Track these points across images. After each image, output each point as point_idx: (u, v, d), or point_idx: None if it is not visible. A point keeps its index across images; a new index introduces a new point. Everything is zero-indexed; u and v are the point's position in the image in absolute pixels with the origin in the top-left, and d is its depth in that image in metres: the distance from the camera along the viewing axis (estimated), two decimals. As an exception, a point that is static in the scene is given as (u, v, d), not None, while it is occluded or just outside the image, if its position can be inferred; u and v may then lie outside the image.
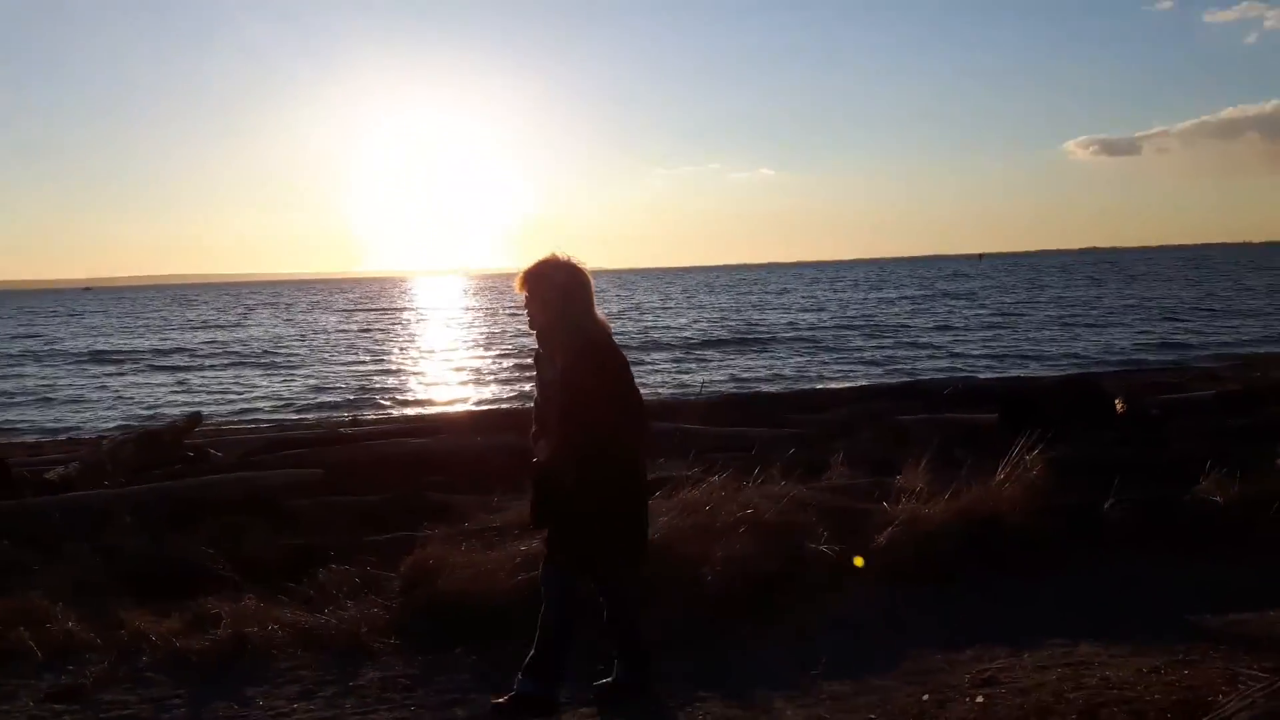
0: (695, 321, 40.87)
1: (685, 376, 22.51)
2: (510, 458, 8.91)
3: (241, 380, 26.50)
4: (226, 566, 5.95)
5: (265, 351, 34.69)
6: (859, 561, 5.48)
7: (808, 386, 17.11)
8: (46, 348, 40.06)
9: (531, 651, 3.95)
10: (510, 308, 50.02)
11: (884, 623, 4.84)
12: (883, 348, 28.68)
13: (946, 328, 34.29)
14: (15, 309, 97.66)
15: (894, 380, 18.02)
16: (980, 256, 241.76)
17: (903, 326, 35.43)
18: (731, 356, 27.46)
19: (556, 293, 3.88)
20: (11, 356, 36.07)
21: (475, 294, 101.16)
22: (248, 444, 10.01)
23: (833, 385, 17.82)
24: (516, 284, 3.97)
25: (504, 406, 16.43)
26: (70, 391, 25.26)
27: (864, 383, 17.93)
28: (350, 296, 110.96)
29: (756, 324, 38.34)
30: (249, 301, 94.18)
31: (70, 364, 32.40)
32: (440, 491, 7.62)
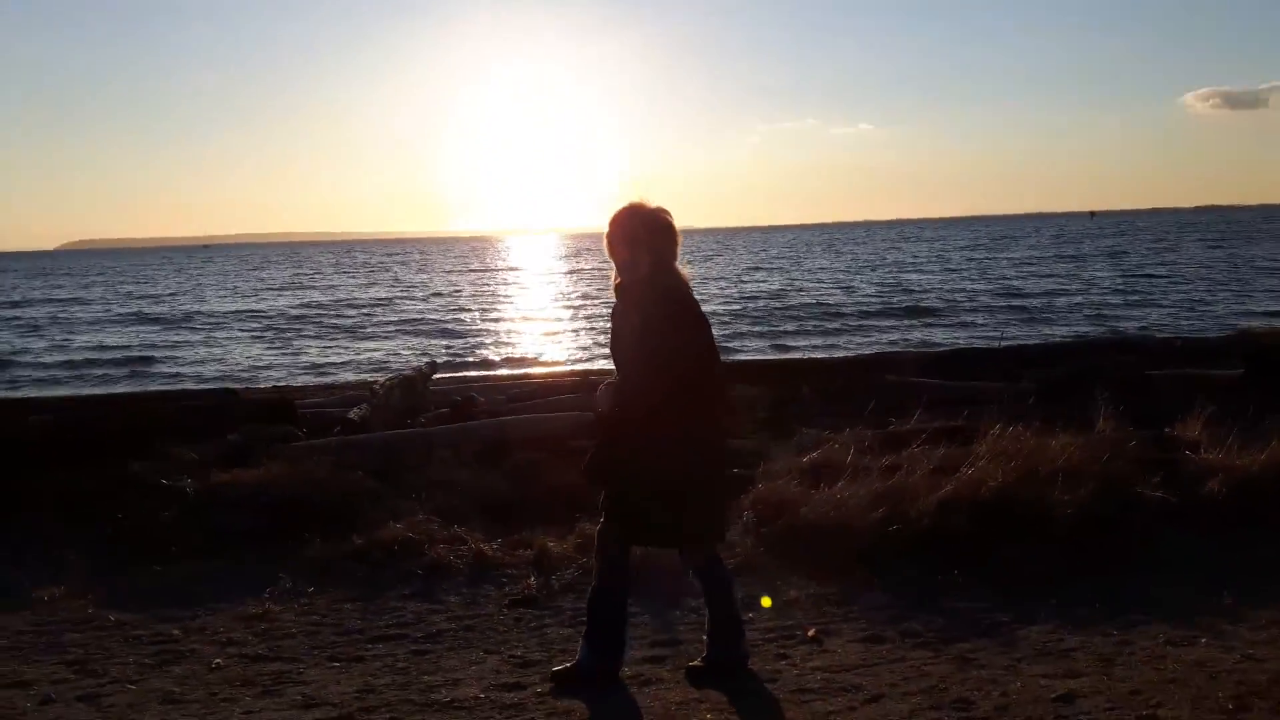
0: (858, 286, 39.68)
1: (882, 337, 22.22)
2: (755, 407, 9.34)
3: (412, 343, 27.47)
4: (557, 498, 6.41)
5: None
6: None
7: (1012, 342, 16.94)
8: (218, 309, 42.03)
9: (588, 624, 3.83)
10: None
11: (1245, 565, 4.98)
12: (1053, 308, 28.07)
13: (1118, 289, 33.16)
14: (160, 261, 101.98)
15: (1105, 334, 17.74)
16: (1092, 215, 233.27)
17: (1054, 289, 34.19)
18: (906, 320, 26.71)
19: (637, 240, 3.68)
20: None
21: (575, 255, 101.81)
22: (504, 390, 10.55)
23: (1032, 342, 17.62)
24: (606, 228, 3.76)
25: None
26: (229, 349, 26.39)
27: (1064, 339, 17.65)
28: (453, 255, 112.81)
29: (915, 289, 37.16)
30: (380, 260, 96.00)
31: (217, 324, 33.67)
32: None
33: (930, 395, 9.18)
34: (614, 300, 3.85)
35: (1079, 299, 29.85)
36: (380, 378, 10.85)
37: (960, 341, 19.83)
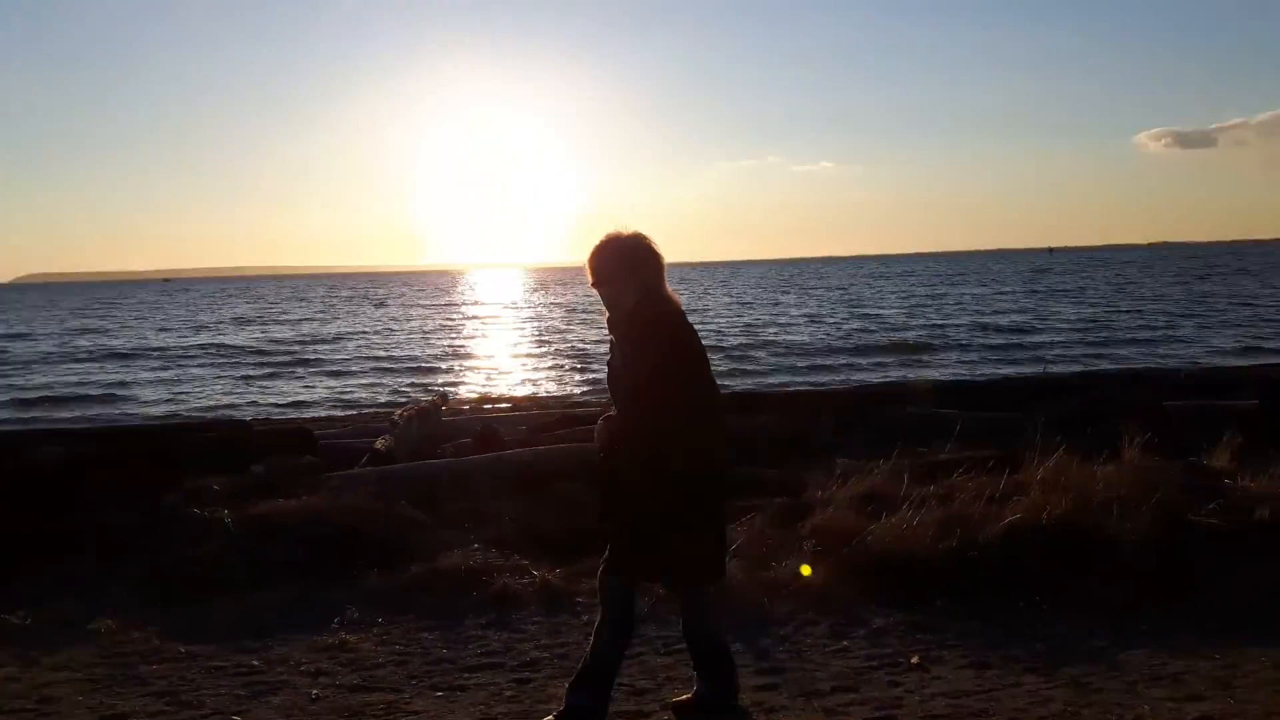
0: (845, 320, 39.93)
1: (881, 374, 22.22)
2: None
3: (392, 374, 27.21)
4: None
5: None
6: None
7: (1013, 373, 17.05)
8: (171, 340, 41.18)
9: (583, 662, 3.63)
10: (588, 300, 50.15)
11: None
12: (1031, 341, 28.48)
13: (1090, 322, 33.67)
14: (115, 295, 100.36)
15: (1114, 368, 18.00)
16: (1050, 251, 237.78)
17: (1033, 322, 34.71)
18: (890, 355, 26.88)
19: (622, 267, 3.52)
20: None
21: (537, 289, 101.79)
22: (526, 420, 10.47)
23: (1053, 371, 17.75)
24: (586, 267, 3.58)
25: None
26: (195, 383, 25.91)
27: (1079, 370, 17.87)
28: (418, 289, 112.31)
29: (891, 324, 37.46)
30: (339, 294, 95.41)
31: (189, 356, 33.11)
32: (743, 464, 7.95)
33: (950, 425, 9.23)
34: (609, 336, 3.64)
35: (1061, 335, 30.26)
36: (395, 410, 10.72)
37: (941, 376, 20.00)
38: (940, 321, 37.24)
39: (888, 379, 18.76)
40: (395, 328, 45.60)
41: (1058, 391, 11.28)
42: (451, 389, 20.45)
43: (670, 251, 3.63)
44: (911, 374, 20.06)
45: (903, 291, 62.18)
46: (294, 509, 6.69)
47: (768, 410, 10.47)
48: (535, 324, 45.82)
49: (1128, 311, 38.16)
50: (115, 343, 38.70)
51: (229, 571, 5.89)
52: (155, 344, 37.87)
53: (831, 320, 40.17)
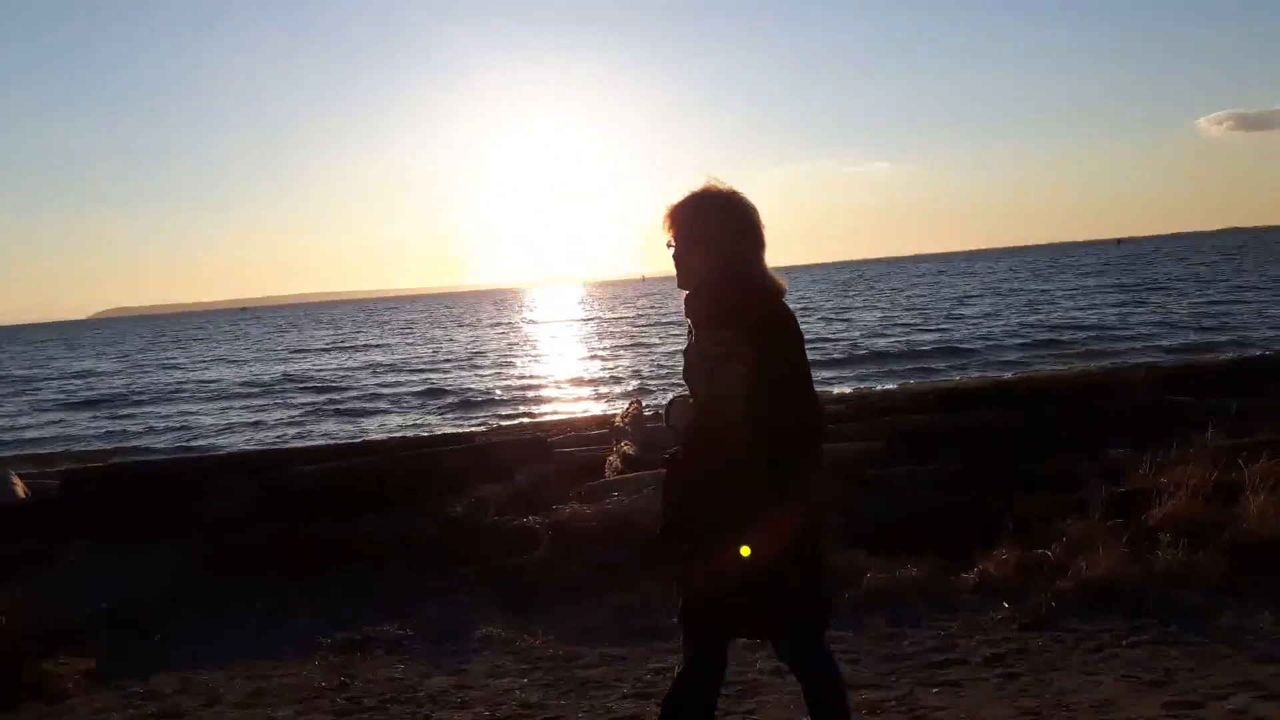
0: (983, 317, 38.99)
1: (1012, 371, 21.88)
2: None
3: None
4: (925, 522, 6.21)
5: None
6: None
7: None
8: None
9: None
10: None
11: None
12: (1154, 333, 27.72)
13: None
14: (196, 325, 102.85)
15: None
16: (1119, 242, 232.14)
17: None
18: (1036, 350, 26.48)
19: (701, 228, 2.78)
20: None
21: (598, 301, 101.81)
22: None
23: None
24: (662, 224, 2.85)
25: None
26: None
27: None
28: (481, 308, 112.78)
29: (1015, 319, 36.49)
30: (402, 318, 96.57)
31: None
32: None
33: (1189, 414, 8.90)
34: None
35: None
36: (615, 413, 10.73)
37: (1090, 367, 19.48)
38: (1117, 311, 35.74)
39: (1087, 369, 18.14)
40: (528, 342, 45.65)
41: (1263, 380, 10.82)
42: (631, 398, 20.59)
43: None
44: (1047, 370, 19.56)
45: (1007, 288, 60.04)
46: (593, 515, 6.70)
47: (982, 404, 10.23)
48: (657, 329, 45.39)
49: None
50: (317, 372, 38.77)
51: (566, 574, 5.90)
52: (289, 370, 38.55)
53: (975, 315, 38.99)
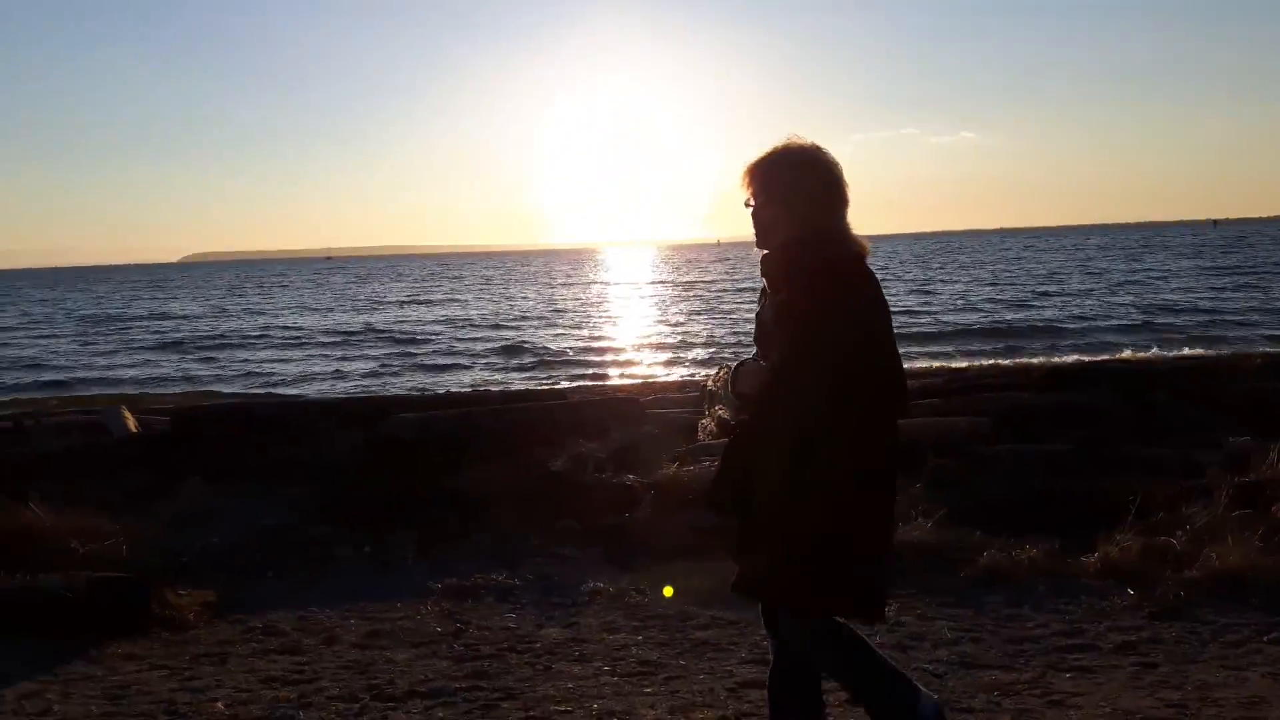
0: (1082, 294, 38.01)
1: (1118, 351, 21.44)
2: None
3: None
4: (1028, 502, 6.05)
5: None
6: None
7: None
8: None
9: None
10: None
11: None
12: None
13: None
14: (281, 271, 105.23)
15: None
16: (1214, 223, 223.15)
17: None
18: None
19: (780, 186, 2.65)
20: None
21: (671, 265, 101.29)
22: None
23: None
24: (741, 180, 2.73)
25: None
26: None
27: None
28: (561, 268, 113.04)
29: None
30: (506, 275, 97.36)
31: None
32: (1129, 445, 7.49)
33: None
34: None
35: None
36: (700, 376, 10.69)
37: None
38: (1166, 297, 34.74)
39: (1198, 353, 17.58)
40: (604, 302, 45.98)
41: None
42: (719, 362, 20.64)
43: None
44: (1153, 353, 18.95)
45: (1097, 266, 57.96)
46: (691, 478, 6.66)
47: (1085, 385, 9.93)
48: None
49: None
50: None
51: (669, 535, 5.88)
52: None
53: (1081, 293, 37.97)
